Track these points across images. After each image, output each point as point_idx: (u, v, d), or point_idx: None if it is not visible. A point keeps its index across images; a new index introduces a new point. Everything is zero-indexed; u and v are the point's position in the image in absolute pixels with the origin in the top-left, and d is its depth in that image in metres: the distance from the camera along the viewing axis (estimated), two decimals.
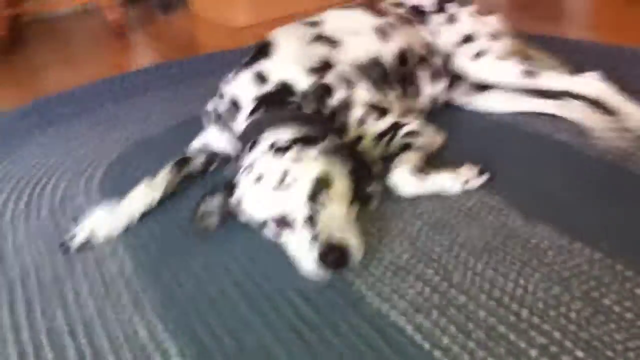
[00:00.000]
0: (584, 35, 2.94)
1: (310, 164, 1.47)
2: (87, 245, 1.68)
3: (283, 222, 1.45)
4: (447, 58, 2.14)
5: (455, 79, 2.15)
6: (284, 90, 1.75)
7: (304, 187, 1.43)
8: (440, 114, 2.13)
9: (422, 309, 1.29)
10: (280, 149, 1.51)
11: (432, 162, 1.78)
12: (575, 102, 1.97)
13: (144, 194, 1.77)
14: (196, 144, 1.98)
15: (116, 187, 1.96)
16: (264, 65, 1.79)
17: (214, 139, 1.90)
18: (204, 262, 1.54)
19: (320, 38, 1.92)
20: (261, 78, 1.77)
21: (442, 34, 2.17)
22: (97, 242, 1.68)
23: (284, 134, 1.57)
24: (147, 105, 2.75)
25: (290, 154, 1.50)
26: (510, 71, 2.05)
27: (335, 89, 1.79)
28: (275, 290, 1.40)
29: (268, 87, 1.75)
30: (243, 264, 1.52)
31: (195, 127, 2.00)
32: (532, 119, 2.04)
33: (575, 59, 2.29)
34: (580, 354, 1.12)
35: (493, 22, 2.25)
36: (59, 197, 2.00)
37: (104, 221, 1.72)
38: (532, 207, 1.57)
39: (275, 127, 1.61)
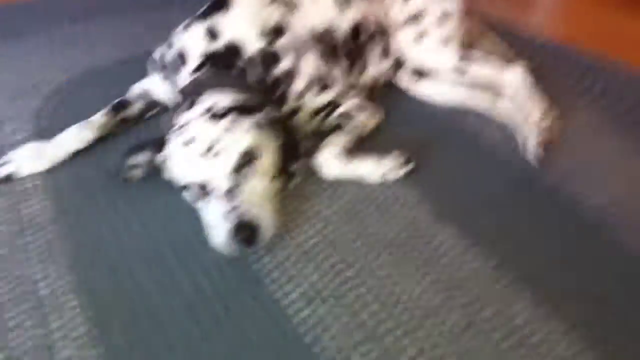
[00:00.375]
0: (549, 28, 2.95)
1: (240, 136, 1.51)
2: (10, 177, 1.69)
3: (204, 190, 1.49)
4: (391, 36, 2.14)
5: (399, 60, 2.15)
6: (232, 51, 1.76)
7: (231, 158, 1.48)
8: (382, 93, 2.16)
9: (312, 300, 1.37)
10: (215, 115, 1.55)
11: (364, 144, 1.84)
12: (518, 68, 2.04)
13: (77, 134, 1.80)
14: (137, 88, 1.99)
15: (52, 119, 1.99)
16: (217, 20, 1.80)
17: (156, 87, 1.93)
18: (123, 217, 1.60)
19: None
20: (212, 34, 1.78)
21: (393, 11, 2.16)
22: (21, 176, 1.69)
23: (222, 99, 1.60)
24: (103, 29, 2.73)
25: (224, 122, 1.53)
26: (448, 57, 2.08)
27: (283, 58, 1.81)
28: (180, 257, 1.47)
29: (217, 45, 1.76)
30: (159, 223, 1.58)
31: (143, 66, 2.00)
32: (466, 112, 2.09)
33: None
34: None
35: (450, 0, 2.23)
36: None
37: (31, 156, 1.74)
38: (445, 206, 1.64)
39: (216, 91, 1.63)
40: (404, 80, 2.20)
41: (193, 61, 1.74)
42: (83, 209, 1.62)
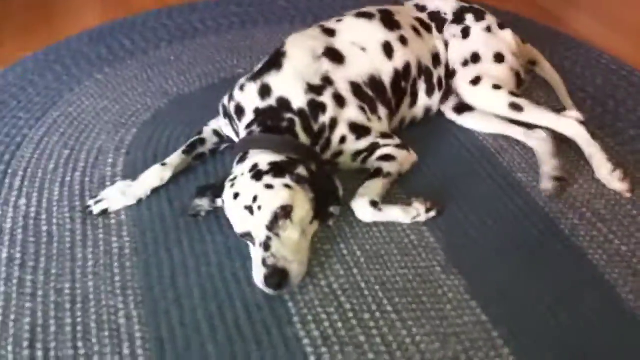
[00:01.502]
0: None
1: (276, 194, 1.81)
2: (105, 212, 2.10)
3: (250, 238, 1.82)
4: (450, 73, 2.35)
5: (449, 92, 2.36)
6: (282, 105, 2.05)
7: (266, 216, 1.78)
8: (427, 126, 2.41)
9: (328, 339, 1.67)
10: (259, 173, 1.85)
11: (399, 183, 2.11)
12: (541, 134, 2.20)
13: (158, 173, 2.17)
14: (213, 124, 2.33)
15: (144, 150, 2.41)
16: (270, 79, 2.08)
17: (225, 128, 2.25)
18: (191, 253, 1.96)
19: (329, 52, 2.17)
20: (265, 91, 2.07)
21: (452, 47, 2.37)
22: (113, 210, 2.11)
23: (265, 158, 1.90)
24: (197, 50, 3.10)
25: (265, 179, 1.84)
26: (499, 103, 2.24)
27: (328, 107, 2.07)
28: (229, 293, 1.82)
29: (269, 102, 2.05)
30: (218, 261, 1.92)
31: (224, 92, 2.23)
32: (502, 150, 2.30)
33: None
34: None
35: (507, 36, 2.40)
36: (94, 156, 2.42)
37: (121, 193, 2.13)
38: (457, 255, 1.88)
39: (262, 149, 1.94)
40: (450, 110, 2.41)
41: (249, 115, 2.05)
42: (158, 245, 1.98)
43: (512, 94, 2.23)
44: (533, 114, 2.21)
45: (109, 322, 1.76)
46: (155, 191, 2.17)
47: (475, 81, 2.25)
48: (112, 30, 3.32)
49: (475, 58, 2.30)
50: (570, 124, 2.18)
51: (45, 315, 1.76)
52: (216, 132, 2.29)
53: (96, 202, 2.10)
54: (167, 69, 2.93)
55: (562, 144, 2.18)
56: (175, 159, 2.19)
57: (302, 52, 2.11)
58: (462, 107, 2.35)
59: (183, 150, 2.22)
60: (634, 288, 1.75)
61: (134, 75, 2.90)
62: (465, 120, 2.37)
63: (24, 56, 3.09)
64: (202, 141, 2.26)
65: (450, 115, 2.41)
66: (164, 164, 2.17)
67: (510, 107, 2.21)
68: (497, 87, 2.23)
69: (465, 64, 2.30)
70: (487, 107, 2.26)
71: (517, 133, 2.24)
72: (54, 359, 1.64)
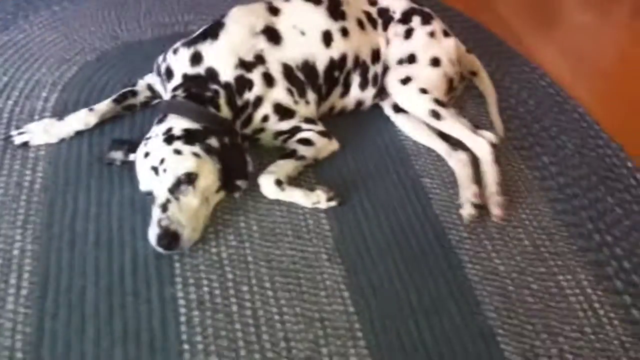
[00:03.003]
0: None
1: (183, 161, 1.90)
2: (26, 144, 2.18)
3: (152, 197, 1.91)
4: (385, 70, 2.42)
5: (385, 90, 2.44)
6: (210, 76, 2.11)
7: (169, 179, 1.87)
8: (359, 116, 2.49)
9: (203, 304, 1.78)
10: (171, 137, 1.93)
11: (312, 168, 2.20)
12: (462, 156, 2.27)
13: (83, 117, 2.24)
14: (148, 78, 2.39)
15: (79, 91, 2.49)
16: (204, 48, 2.15)
17: (157, 85, 2.32)
18: (94, 198, 2.06)
19: (267, 31, 2.23)
20: (196, 59, 2.13)
21: (392, 46, 2.44)
22: (33, 145, 2.18)
23: (181, 124, 1.98)
24: None
25: (175, 144, 1.92)
26: (421, 107, 2.33)
27: (255, 85, 2.14)
28: (122, 243, 1.91)
29: (198, 70, 2.12)
30: (119, 211, 2.02)
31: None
32: (419, 154, 2.39)
33: None
34: None
35: (449, 44, 2.48)
36: (30, 87, 2.48)
37: (44, 131, 2.20)
38: (345, 246, 1.98)
39: (180, 115, 2.01)
40: (386, 108, 2.49)
41: (176, 79, 2.12)
42: (68, 186, 2.07)
43: (437, 101, 2.30)
44: (451, 125, 2.30)
45: (3, 251, 1.85)
46: (79, 133, 2.23)
47: (405, 81, 2.32)
48: None
49: (411, 59, 2.37)
50: (480, 144, 2.27)
51: None
52: (150, 87, 2.35)
53: (19, 133, 2.17)
54: (123, 13, 2.97)
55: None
56: (103, 106, 2.26)
57: (240, 27, 2.17)
58: (399, 107, 2.41)
59: (113, 99, 2.29)
60: (499, 307, 1.85)
61: (90, 13, 2.93)
62: (399, 120, 2.45)
63: None
64: (134, 93, 2.33)
65: (388, 111, 2.48)
66: (91, 109, 2.24)
67: (431, 113, 2.29)
68: (423, 91, 2.30)
69: (400, 62, 2.37)
70: (409, 109, 2.35)
71: (440, 149, 2.32)
72: None
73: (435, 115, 2.27)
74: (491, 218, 2.10)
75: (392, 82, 2.35)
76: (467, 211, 2.07)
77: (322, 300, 1.82)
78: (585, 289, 1.93)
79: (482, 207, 2.10)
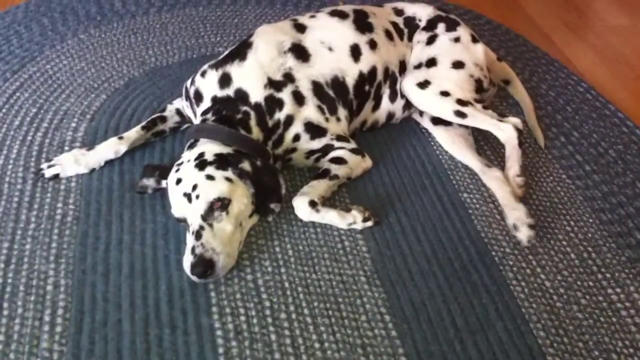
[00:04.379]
0: None
1: (215, 186, 1.86)
2: (57, 176, 2.16)
3: (186, 224, 1.87)
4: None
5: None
6: (240, 97, 2.08)
7: (202, 205, 1.83)
8: (391, 131, 2.44)
9: (240, 334, 1.73)
10: (203, 162, 1.90)
11: (347, 187, 2.16)
12: (497, 173, 2.19)
13: (113, 146, 2.21)
14: (177, 103, 2.36)
15: (108, 119, 2.47)
16: (232, 69, 2.11)
17: (186, 109, 2.29)
18: (127, 228, 2.02)
19: (295, 49, 2.18)
20: (225, 81, 2.10)
21: (413, 52, 2.39)
22: (65, 176, 2.16)
23: (212, 148, 1.94)
24: (184, 21, 3.13)
25: (208, 169, 1.88)
26: (444, 109, 2.27)
27: (285, 104, 2.10)
28: (157, 274, 1.87)
29: (228, 92, 2.08)
30: (152, 240, 1.98)
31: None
32: (456, 168, 2.32)
33: None
34: None
35: (477, 50, 2.42)
36: (59, 118, 2.48)
37: (74, 161, 2.18)
38: (384, 267, 1.92)
39: (211, 139, 1.98)
40: (425, 121, 2.45)
41: (206, 102, 2.08)
42: (99, 217, 2.04)
43: (460, 101, 2.24)
44: (476, 119, 2.24)
45: (37, 287, 1.82)
46: (110, 162, 2.21)
47: (424, 84, 2.27)
48: None
49: (431, 63, 2.32)
50: (506, 128, 2.22)
51: None
52: (179, 111, 2.32)
53: (49, 166, 2.15)
54: (150, 37, 2.96)
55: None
56: (133, 133, 2.23)
57: (268, 46, 2.13)
58: (439, 119, 2.35)
59: (142, 125, 2.26)
60: (547, 325, 1.78)
61: (117, 39, 2.92)
62: (437, 133, 2.40)
63: (16, 4, 3.13)
64: (163, 119, 2.30)
65: (426, 124, 2.43)
66: (120, 138, 2.21)
67: (455, 114, 2.24)
68: (445, 93, 2.25)
69: (418, 66, 2.32)
70: (431, 111, 2.31)
71: (475, 166, 2.26)
72: None
73: (460, 114, 2.23)
74: (515, 193, 2.11)
75: (409, 86, 2.31)
76: (525, 234, 1.99)
77: (363, 325, 1.76)
78: (636, 302, 1.85)
79: (536, 226, 2.02)
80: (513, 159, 2.16)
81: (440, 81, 2.26)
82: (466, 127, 2.32)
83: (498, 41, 2.92)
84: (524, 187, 2.12)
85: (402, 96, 2.36)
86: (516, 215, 2.00)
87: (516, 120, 2.25)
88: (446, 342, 1.72)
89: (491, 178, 2.17)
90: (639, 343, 1.74)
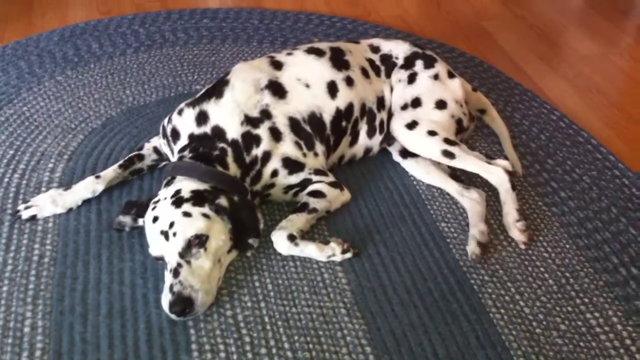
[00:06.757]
0: None
1: (192, 223, 1.86)
2: (34, 218, 2.15)
3: (163, 262, 1.87)
4: (390, 117, 2.39)
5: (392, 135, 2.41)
6: (217, 134, 2.09)
7: (179, 243, 1.83)
8: (368, 163, 2.47)
9: None
10: (179, 199, 1.90)
11: (325, 220, 2.17)
12: (474, 195, 2.23)
13: (90, 186, 2.21)
14: (155, 141, 2.37)
15: (85, 160, 2.47)
16: (209, 107, 2.13)
17: (164, 147, 2.30)
18: (106, 266, 2.01)
19: (272, 86, 2.21)
20: (202, 118, 2.11)
21: (396, 92, 2.42)
22: (42, 217, 2.15)
23: (188, 186, 1.95)
24: (161, 61, 3.17)
25: (184, 207, 1.88)
26: (432, 149, 2.29)
27: (262, 140, 2.12)
28: (135, 313, 1.86)
29: (204, 129, 2.10)
30: (130, 280, 1.97)
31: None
32: (433, 198, 2.34)
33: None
34: None
35: (454, 85, 2.45)
36: (36, 159, 2.48)
37: (52, 202, 2.17)
38: (364, 299, 1.92)
39: (188, 176, 1.98)
40: (394, 154, 2.46)
41: (183, 139, 2.09)
42: (77, 257, 2.03)
43: (447, 141, 2.27)
44: (465, 161, 2.26)
45: (14, 330, 1.80)
46: (87, 201, 2.20)
47: (412, 125, 2.30)
48: (83, 31, 3.38)
49: (416, 103, 2.35)
50: (496, 172, 2.24)
51: None
52: (156, 149, 2.33)
53: (26, 207, 2.14)
54: (127, 78, 2.97)
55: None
56: (110, 172, 2.23)
57: (244, 84, 2.16)
58: (407, 152, 2.38)
59: (120, 164, 2.27)
60: (527, 352, 1.79)
61: (94, 80, 2.94)
62: (408, 165, 2.42)
63: None
64: (140, 157, 2.30)
65: (397, 157, 2.44)
66: (98, 177, 2.21)
67: (443, 154, 2.25)
68: (432, 133, 2.27)
69: (404, 107, 2.35)
70: (420, 152, 2.32)
71: (452, 190, 2.28)
72: None
73: (448, 154, 2.24)
74: (519, 245, 2.12)
75: (398, 128, 2.33)
76: (471, 248, 2.05)
77: (344, 358, 1.76)
78: (615, 326, 1.87)
79: (485, 246, 2.07)
80: (509, 204, 2.17)
81: (427, 121, 2.30)
82: None
83: (472, 72, 2.97)
84: (527, 231, 2.12)
85: (380, 132, 2.39)
86: (473, 231, 2.08)
87: (505, 163, 2.27)
88: None
89: (468, 199, 2.21)
90: None
